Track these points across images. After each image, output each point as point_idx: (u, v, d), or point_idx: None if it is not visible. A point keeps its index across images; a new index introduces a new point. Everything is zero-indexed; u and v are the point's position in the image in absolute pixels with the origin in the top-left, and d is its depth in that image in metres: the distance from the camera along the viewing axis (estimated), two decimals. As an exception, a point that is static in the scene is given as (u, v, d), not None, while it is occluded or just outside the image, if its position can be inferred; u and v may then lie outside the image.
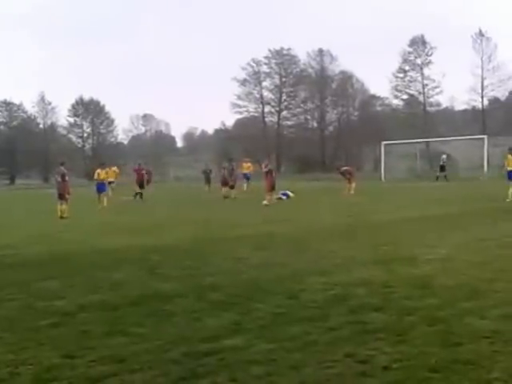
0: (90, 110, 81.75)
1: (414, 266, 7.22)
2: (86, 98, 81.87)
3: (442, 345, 4.09)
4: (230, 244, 9.72)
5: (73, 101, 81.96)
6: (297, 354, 3.99)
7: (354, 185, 25.10)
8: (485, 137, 39.42)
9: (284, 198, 22.54)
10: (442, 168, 35.01)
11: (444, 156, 36.48)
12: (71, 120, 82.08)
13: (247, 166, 32.20)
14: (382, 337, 4.32)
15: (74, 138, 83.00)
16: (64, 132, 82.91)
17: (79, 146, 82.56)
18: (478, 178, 30.27)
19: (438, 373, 3.58)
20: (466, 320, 4.71)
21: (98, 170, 22.88)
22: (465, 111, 72.33)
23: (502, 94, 70.06)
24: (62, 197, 16.83)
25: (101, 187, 22.31)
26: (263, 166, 23.01)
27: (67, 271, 7.55)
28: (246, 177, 31.31)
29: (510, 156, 21.21)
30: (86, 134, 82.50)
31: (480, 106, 67.49)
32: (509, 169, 20.97)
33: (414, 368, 3.66)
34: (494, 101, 70.56)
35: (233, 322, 4.79)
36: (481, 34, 66.43)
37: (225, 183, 25.21)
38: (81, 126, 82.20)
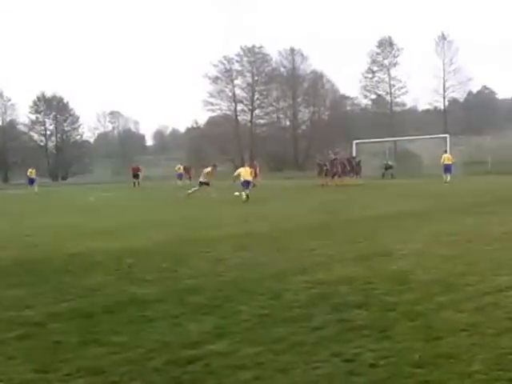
0: (52, 107, 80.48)
1: (390, 262, 7.44)
2: (49, 94, 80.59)
3: (424, 339, 4.23)
4: (207, 245, 9.66)
5: (34, 97, 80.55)
6: (284, 356, 4.00)
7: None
8: (447, 136, 42.38)
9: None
10: (388, 168, 40.51)
11: (389, 161, 42.28)
12: (32, 117, 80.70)
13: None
14: (367, 334, 4.41)
15: (35, 135, 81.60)
16: (25, 129, 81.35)
17: (41, 144, 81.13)
18: (440, 175, 32.67)
19: (422, 368, 3.69)
20: (443, 314, 4.89)
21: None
22: (427, 111, 75.73)
23: (461, 96, 74.15)
24: None
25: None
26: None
27: (35, 278, 7.32)
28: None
29: (444, 155, 33.06)
30: (48, 132, 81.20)
31: (442, 106, 70.40)
32: (445, 163, 32.31)
33: (400, 364, 3.76)
34: (454, 102, 74.23)
35: (216, 325, 4.75)
36: (443, 37, 69.16)
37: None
38: (43, 123, 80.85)
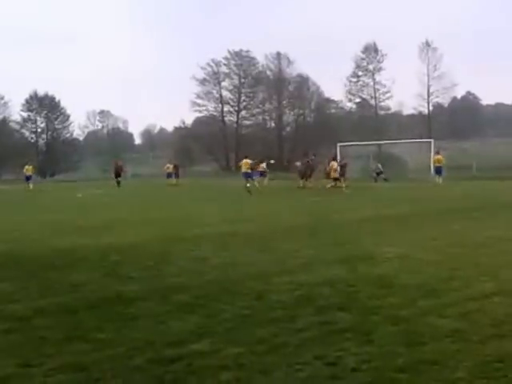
0: (44, 105, 79.84)
1: (374, 265, 7.32)
2: (41, 92, 79.91)
3: (407, 344, 4.12)
4: (191, 243, 9.55)
5: (27, 95, 79.81)
6: (266, 357, 3.91)
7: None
8: (431, 140, 41.98)
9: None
10: (379, 173, 38.74)
11: (379, 165, 40.41)
12: (24, 115, 79.95)
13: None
14: (350, 337, 4.31)
15: (27, 133, 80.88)
16: (17, 127, 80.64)
17: (32, 141, 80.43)
18: (425, 180, 32.48)
19: (405, 373, 3.59)
20: (426, 319, 4.78)
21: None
22: (412, 116, 76.75)
23: (445, 101, 74.88)
24: None
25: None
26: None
27: (20, 273, 7.21)
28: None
29: (436, 156, 32.25)
30: (39, 130, 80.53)
31: (426, 111, 71.00)
32: (439, 164, 31.54)
33: (382, 369, 3.66)
34: (439, 107, 75.25)
35: (199, 325, 4.66)
36: (427, 44, 69.74)
37: None
38: (34, 121, 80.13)
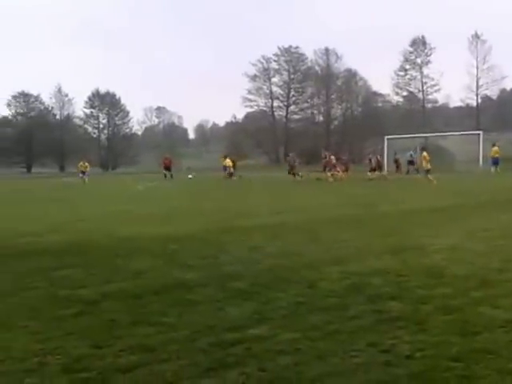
0: (105, 102, 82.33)
1: (423, 256, 7.16)
2: (103, 90, 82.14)
3: (460, 334, 4.03)
4: (243, 233, 9.62)
5: (89, 93, 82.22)
6: (321, 343, 3.91)
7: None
8: (480, 132, 41.03)
9: None
10: (411, 162, 37.18)
11: (411, 152, 38.81)
12: (87, 111, 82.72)
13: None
14: (402, 325, 4.25)
15: (89, 128, 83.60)
16: (80, 123, 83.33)
17: (94, 136, 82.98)
18: (473, 171, 31.75)
19: (459, 362, 3.51)
20: (479, 309, 4.65)
21: None
22: (459, 108, 74.03)
23: (494, 93, 72.15)
24: None
25: None
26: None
27: (87, 259, 7.43)
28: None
29: (493, 148, 33.16)
30: (101, 125, 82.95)
31: (474, 103, 68.52)
32: (496, 156, 32.69)
33: (437, 357, 3.60)
34: (487, 99, 72.20)
35: (256, 311, 4.70)
36: (476, 36, 67.41)
37: None
38: (97, 118, 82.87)
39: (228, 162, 36.56)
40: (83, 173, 38.63)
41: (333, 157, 31.59)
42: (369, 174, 31.07)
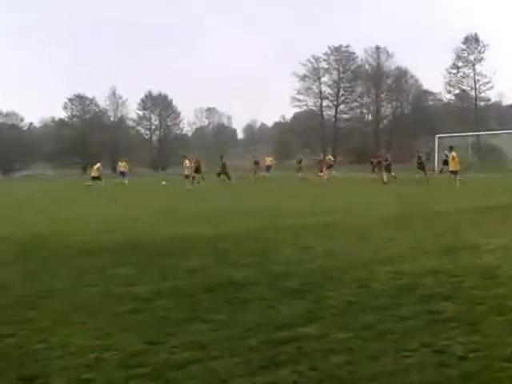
0: (158, 104, 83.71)
1: (476, 256, 6.99)
2: (155, 92, 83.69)
3: (515, 335, 3.88)
4: (290, 233, 9.60)
5: (142, 95, 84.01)
6: (373, 343, 3.87)
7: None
8: None
9: None
10: (446, 162, 33.91)
11: (446, 152, 35.15)
12: (140, 113, 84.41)
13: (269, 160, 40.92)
14: (455, 326, 4.16)
15: (142, 130, 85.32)
16: (133, 124, 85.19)
17: (147, 137, 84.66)
18: None
19: (514, 363, 3.39)
20: None
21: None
22: None
23: None
24: None
25: None
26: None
27: (139, 258, 7.58)
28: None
29: None
30: (153, 127, 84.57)
31: None
32: None
33: (491, 358, 3.51)
34: None
35: (307, 310, 4.69)
36: None
37: None
38: (149, 119, 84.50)
39: (186, 163, 31.16)
40: (123, 174, 34.80)
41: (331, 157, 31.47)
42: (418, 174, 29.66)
